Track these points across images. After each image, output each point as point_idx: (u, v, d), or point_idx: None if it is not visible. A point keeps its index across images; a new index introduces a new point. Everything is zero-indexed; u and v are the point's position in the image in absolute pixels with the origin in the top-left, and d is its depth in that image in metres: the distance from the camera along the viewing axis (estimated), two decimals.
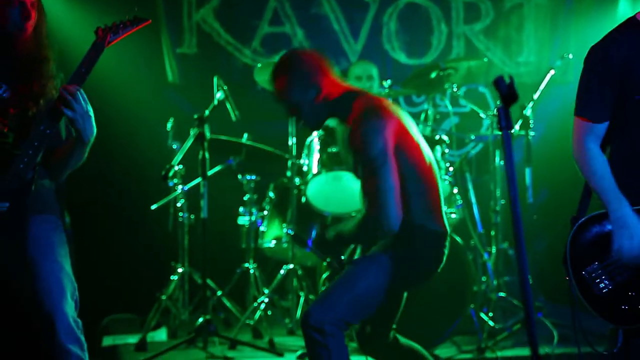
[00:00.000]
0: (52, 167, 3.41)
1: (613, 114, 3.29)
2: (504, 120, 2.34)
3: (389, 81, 6.02)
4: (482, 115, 5.98)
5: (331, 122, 3.82)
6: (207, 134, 5.42)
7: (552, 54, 7.39)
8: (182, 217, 5.98)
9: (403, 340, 3.89)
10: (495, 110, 5.88)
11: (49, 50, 3.46)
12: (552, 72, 5.96)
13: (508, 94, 2.32)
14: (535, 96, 5.89)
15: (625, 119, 3.27)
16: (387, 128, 3.54)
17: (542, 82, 5.92)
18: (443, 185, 5.65)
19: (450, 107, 6.56)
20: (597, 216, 3.29)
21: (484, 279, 5.82)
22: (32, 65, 3.40)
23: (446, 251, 3.70)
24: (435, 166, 3.74)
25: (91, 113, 3.28)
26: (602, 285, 3.22)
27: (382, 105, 3.64)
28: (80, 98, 3.23)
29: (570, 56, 6.07)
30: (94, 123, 3.29)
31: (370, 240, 3.71)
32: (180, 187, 5.93)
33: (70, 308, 3.24)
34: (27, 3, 3.39)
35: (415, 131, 3.72)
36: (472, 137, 6.40)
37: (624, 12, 7.35)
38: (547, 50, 7.50)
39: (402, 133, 3.61)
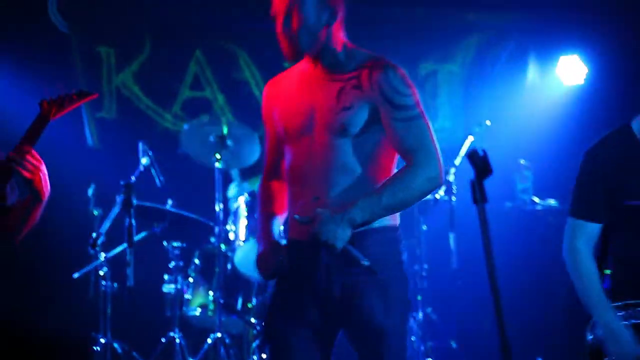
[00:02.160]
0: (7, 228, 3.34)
1: (606, 216, 3.33)
2: (479, 193, 2.35)
3: None
4: None
5: None
6: (134, 201, 5.32)
7: (467, 120, 7.56)
8: (104, 285, 5.80)
9: None
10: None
11: None
12: (470, 138, 6.11)
13: (482, 167, 2.33)
14: (457, 162, 6.02)
15: (617, 223, 3.33)
16: None
17: (459, 147, 6.06)
18: None
19: None
20: None
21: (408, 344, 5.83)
22: None
23: None
24: None
25: (45, 171, 3.27)
26: None
27: None
28: (34, 157, 3.23)
29: (489, 123, 6.24)
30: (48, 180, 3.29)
31: (419, 196, 3.03)
32: (103, 254, 5.77)
33: None
34: None
35: None
36: None
37: (532, 81, 7.61)
38: (461, 117, 7.66)
39: None
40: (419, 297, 6.01)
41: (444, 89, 7.69)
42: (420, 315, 5.98)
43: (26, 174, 3.25)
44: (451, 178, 5.92)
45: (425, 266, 6.08)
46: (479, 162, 2.35)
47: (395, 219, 3.09)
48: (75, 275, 5.77)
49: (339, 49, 3.13)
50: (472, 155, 2.35)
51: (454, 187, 5.93)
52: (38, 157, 3.29)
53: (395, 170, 3.09)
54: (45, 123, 3.37)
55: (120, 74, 7.07)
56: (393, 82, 3.00)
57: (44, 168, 3.31)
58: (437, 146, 3.03)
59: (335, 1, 3.13)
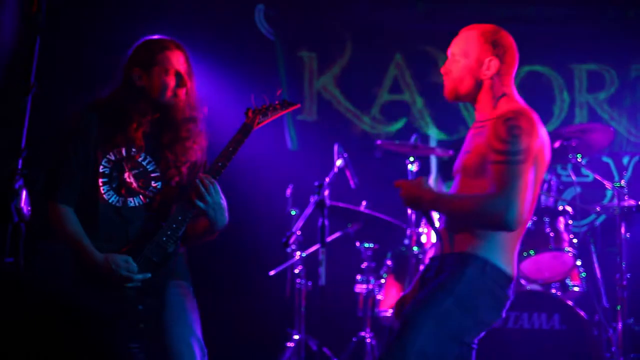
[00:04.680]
0: (188, 237, 3.47)
1: None
2: None
3: None
4: (608, 186, 5.83)
5: None
6: (327, 201, 5.43)
7: None
8: (299, 283, 5.96)
9: None
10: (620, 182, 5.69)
11: (197, 111, 3.53)
12: None
13: None
14: None
15: None
16: None
17: None
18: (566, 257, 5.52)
19: (573, 177, 6.44)
20: None
21: (608, 355, 5.60)
22: (180, 126, 3.46)
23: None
24: None
25: (224, 205, 3.34)
26: None
27: None
28: (213, 190, 3.30)
29: None
30: (226, 214, 3.36)
31: (476, 223, 3.14)
32: (298, 253, 5.93)
33: None
34: (183, 72, 3.47)
35: None
36: (598, 208, 6.23)
37: None
38: None
39: None
40: (618, 307, 5.72)
41: None
42: (620, 326, 5.70)
43: (204, 208, 3.32)
44: None
45: (628, 275, 5.79)
46: None
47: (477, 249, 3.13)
48: (272, 272, 5.95)
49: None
50: None
51: None
52: (218, 190, 3.34)
53: None
54: (249, 132, 3.45)
55: (321, 77, 7.23)
56: (499, 132, 3.11)
57: (222, 202, 3.37)
58: (517, 193, 3.03)
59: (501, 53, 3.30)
